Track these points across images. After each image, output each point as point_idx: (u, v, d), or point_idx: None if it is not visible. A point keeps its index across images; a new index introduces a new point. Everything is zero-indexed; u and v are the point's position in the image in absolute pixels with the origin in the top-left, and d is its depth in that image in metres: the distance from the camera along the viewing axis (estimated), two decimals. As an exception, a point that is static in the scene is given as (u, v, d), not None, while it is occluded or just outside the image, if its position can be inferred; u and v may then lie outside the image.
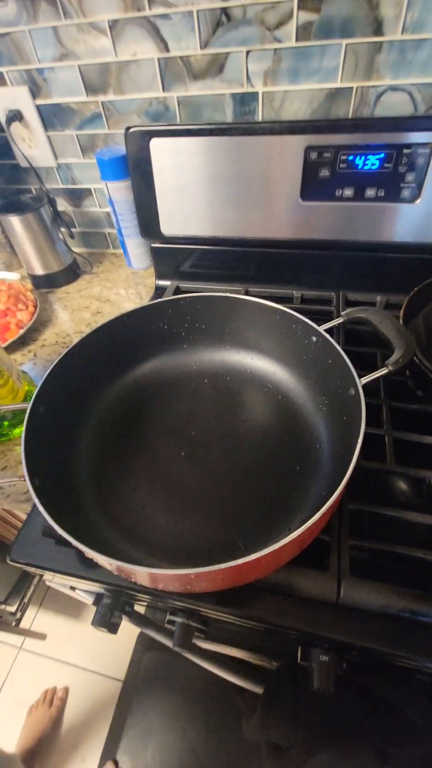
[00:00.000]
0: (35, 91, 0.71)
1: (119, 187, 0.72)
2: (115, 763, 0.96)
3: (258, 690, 0.44)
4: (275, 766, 0.54)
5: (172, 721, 1.01)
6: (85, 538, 0.29)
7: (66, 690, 1.11)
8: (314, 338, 0.45)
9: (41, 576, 1.15)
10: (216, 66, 0.60)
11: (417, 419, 0.49)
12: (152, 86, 0.65)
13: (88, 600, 0.55)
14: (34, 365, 0.68)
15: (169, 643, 0.49)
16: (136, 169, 0.63)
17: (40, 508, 0.31)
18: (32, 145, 0.78)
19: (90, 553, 0.28)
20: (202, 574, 0.28)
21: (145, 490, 0.43)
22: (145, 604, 0.49)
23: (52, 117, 0.74)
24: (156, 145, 0.59)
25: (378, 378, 0.51)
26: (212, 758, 0.95)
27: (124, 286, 0.83)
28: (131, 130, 0.59)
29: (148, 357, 0.54)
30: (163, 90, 0.65)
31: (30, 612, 1.22)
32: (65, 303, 0.81)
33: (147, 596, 0.40)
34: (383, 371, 0.39)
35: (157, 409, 0.51)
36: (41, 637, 1.09)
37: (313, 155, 0.55)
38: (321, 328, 0.44)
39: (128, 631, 1.15)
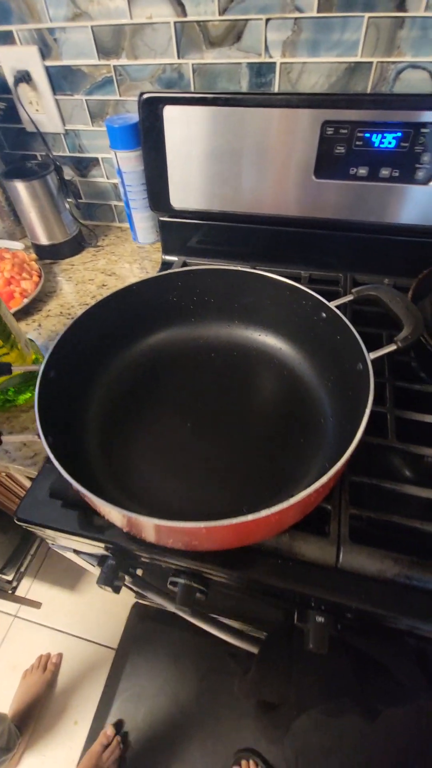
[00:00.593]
0: (45, 52, 0.69)
1: (129, 157, 0.71)
2: (117, 724, 1.00)
3: (253, 650, 0.46)
4: (266, 724, 0.57)
5: (164, 685, 1.05)
6: (97, 491, 0.30)
7: (60, 656, 1.14)
8: (324, 314, 0.45)
9: (39, 545, 1.17)
10: (234, 33, 0.59)
11: (419, 399, 0.50)
12: (167, 52, 0.63)
13: (92, 563, 0.56)
14: (39, 335, 0.68)
15: (170, 605, 0.51)
16: (147, 137, 0.62)
17: (55, 462, 0.31)
18: (39, 108, 0.76)
19: (103, 506, 0.29)
20: (211, 529, 0.29)
21: (152, 457, 0.44)
22: (147, 563, 0.51)
23: (61, 80, 0.72)
24: (169, 113, 0.58)
25: (383, 357, 0.52)
26: (203, 720, 0.99)
27: (129, 260, 0.82)
28: (145, 95, 0.57)
29: (156, 329, 0.54)
30: (178, 56, 0.63)
31: (26, 582, 1.25)
32: (70, 275, 0.80)
33: (151, 555, 0.42)
34: (392, 347, 0.40)
35: (164, 380, 0.52)
36: (36, 605, 1.12)
37: (330, 131, 0.55)
38: (331, 304, 0.44)
39: (122, 602, 1.19)
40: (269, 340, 0.54)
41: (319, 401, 0.48)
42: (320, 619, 0.40)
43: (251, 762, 0.90)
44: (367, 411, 0.34)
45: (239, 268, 0.50)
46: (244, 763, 0.90)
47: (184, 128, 0.59)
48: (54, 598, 1.22)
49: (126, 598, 1.19)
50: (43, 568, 1.29)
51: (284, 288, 0.48)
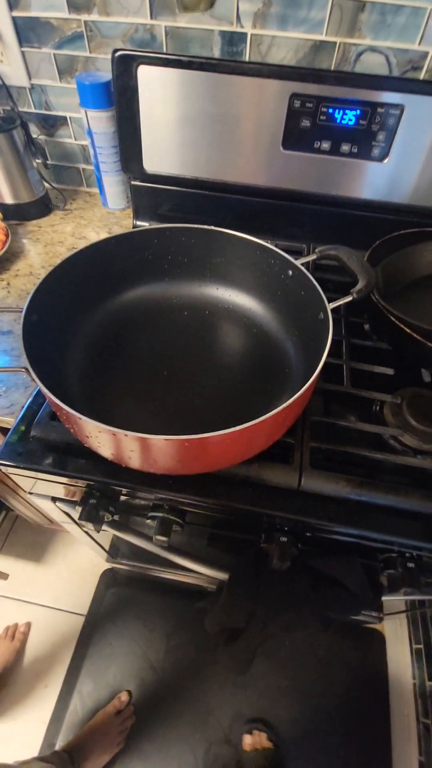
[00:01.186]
0: (12, 2, 0.66)
1: (100, 117, 0.70)
2: (129, 693, 1.02)
3: (223, 576, 0.51)
4: (231, 655, 0.63)
5: (133, 644, 1.09)
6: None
7: (28, 625, 1.15)
8: (290, 272, 0.50)
9: (4, 518, 1.16)
10: (207, 0, 0.60)
11: (370, 353, 0.56)
12: (140, 11, 0.64)
13: (68, 514, 0.58)
14: (8, 293, 0.67)
15: (146, 544, 0.54)
16: (121, 96, 0.62)
17: (45, 390, 0.34)
18: (4, 60, 0.73)
19: (90, 423, 0.32)
20: (191, 444, 0.32)
21: (131, 399, 0.47)
22: (125, 501, 0.53)
23: (28, 32, 0.69)
24: (144, 73, 0.59)
25: (341, 318, 0.58)
26: (170, 672, 1.05)
27: (99, 225, 0.82)
28: (119, 53, 0.58)
29: (132, 285, 0.56)
30: (151, 17, 0.64)
31: (-10, 555, 1.23)
32: (37, 237, 0.79)
33: (130, 486, 0.44)
34: (348, 298, 0.45)
35: (141, 334, 0.54)
36: (3, 576, 1.11)
37: (297, 103, 0.58)
38: (297, 262, 0.49)
39: (90, 571, 1.21)
40: (240, 299, 0.58)
41: (285, 353, 0.52)
42: (283, 538, 0.46)
43: (262, 734, 0.96)
44: (327, 346, 0.39)
45: (214, 228, 0.53)
46: (255, 733, 0.96)
47: (158, 90, 0.60)
48: (21, 571, 1.22)
49: (94, 567, 1.21)
50: (8, 542, 1.28)
51: (254, 248, 0.52)
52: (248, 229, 0.74)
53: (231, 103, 0.60)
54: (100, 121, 0.71)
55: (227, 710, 0.99)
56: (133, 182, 0.73)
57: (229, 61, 0.57)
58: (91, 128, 0.73)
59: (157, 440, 0.32)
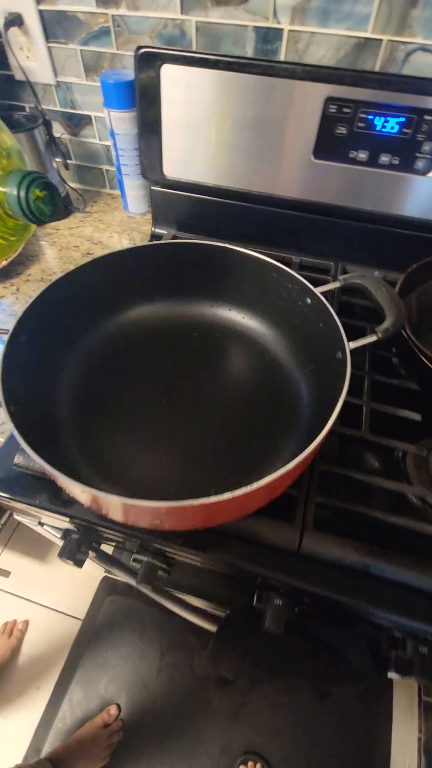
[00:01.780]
0: (39, -7, 0.63)
1: (123, 118, 0.67)
2: (119, 707, 1.01)
3: (212, 628, 0.47)
4: (221, 698, 0.58)
5: (127, 657, 1.07)
6: (59, 466, 0.29)
7: (26, 623, 1.15)
8: (309, 300, 0.44)
9: (10, 514, 1.16)
10: (242, -8, 0.55)
11: (396, 394, 0.50)
12: (169, 5, 0.59)
13: (56, 536, 0.55)
14: (17, 299, 0.65)
15: (132, 581, 0.51)
16: (143, 97, 0.58)
17: (15, 432, 0.30)
18: (30, 55, 0.71)
19: (64, 481, 0.28)
20: (173, 509, 0.28)
21: (125, 431, 0.43)
22: (112, 544, 0.50)
23: (55, 26, 0.67)
24: (168, 72, 0.55)
25: (365, 351, 0.52)
26: (162, 692, 1.02)
27: (118, 230, 0.79)
28: (142, 50, 0.54)
29: (138, 302, 0.53)
30: (181, 12, 0.59)
31: (-6, 549, 1.24)
32: (54, 239, 0.77)
33: (115, 533, 0.41)
34: (372, 338, 0.39)
35: (143, 355, 0.50)
36: (5, 574, 1.12)
37: (333, 108, 0.53)
38: (317, 290, 0.43)
39: (91, 576, 1.20)
40: (252, 323, 0.53)
41: (297, 388, 0.47)
42: (278, 601, 0.41)
43: (257, 765, 0.92)
44: (341, 400, 0.34)
45: (228, 246, 0.48)
46: (250, 764, 0.92)
47: (182, 90, 0.56)
48: (23, 568, 1.23)
49: (94, 572, 1.20)
50: (13, 538, 1.28)
51: (271, 270, 0.47)
52: (272, 243, 0.70)
53: (259, 106, 0.55)
54: (122, 122, 0.68)
55: (217, 742, 0.95)
56: (153, 188, 0.69)
57: (259, 61, 0.52)
58: (113, 129, 0.69)
59: (133, 504, 0.28)
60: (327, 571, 0.38)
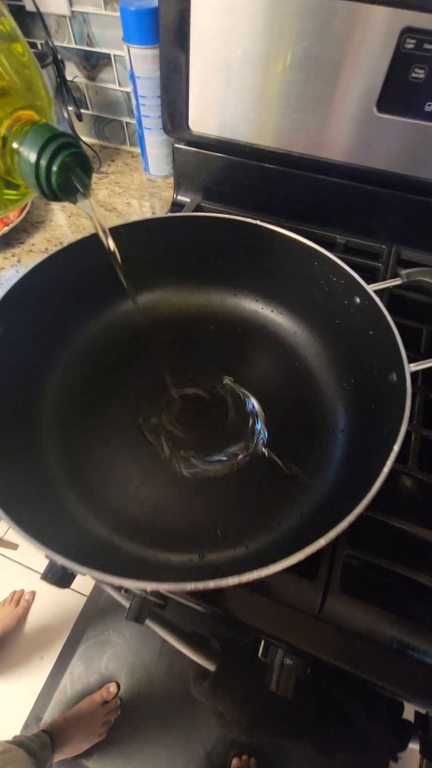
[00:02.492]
0: None
1: (145, 56, 0.56)
2: (118, 685, 1.02)
3: (210, 666, 0.41)
4: (220, 722, 0.54)
5: (129, 638, 1.07)
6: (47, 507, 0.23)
7: (33, 594, 1.16)
8: (358, 299, 0.35)
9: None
10: None
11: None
12: None
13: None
14: (17, 273, 0.58)
15: (124, 602, 0.46)
16: (167, 28, 0.47)
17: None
18: (41, -23, 0.59)
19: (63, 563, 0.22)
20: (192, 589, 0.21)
21: (123, 451, 0.37)
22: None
23: None
24: (200, -7, 0.43)
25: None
26: (161, 676, 1.02)
27: (136, 195, 0.70)
28: (169, -39, 0.42)
29: (145, 287, 0.44)
30: None
31: (3, 524, 1.25)
32: (63, 204, 0.68)
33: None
34: (443, 360, 0.30)
35: (146, 352, 0.43)
36: (13, 546, 1.12)
37: (410, 44, 0.40)
38: (370, 288, 0.33)
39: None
40: (282, 319, 0.44)
41: (332, 407, 0.39)
42: (288, 661, 0.35)
43: (252, 760, 0.91)
44: (397, 444, 0.26)
45: (260, 223, 0.39)
46: (244, 757, 0.92)
47: (217, 18, 0.45)
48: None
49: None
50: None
51: (313, 257, 0.37)
52: (315, 218, 0.59)
53: (312, 39, 0.43)
54: (145, 61, 0.57)
55: (212, 731, 0.95)
56: (176, 145, 0.59)
57: (319, -26, 0.39)
58: (134, 70, 0.58)
59: (166, 587, 0.21)
60: (353, 643, 0.31)
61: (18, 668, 1.06)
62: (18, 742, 0.81)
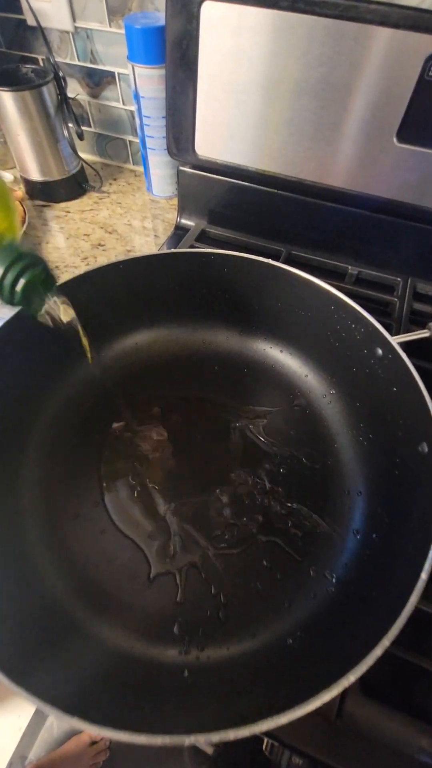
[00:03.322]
0: None
1: (150, 76, 0.53)
2: None
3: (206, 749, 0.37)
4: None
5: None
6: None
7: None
8: (380, 351, 0.32)
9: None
10: None
11: None
12: None
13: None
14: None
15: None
16: (175, 47, 0.44)
17: None
18: (44, -8, 0.57)
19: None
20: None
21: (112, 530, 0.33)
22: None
23: None
24: (210, 13, 0.41)
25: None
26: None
27: (138, 217, 0.67)
28: (178, -21, 0.40)
29: (144, 324, 0.41)
30: None
31: None
32: (62, 224, 0.65)
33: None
34: None
35: (147, 395, 0.39)
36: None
37: (436, 71, 0.37)
38: (395, 341, 0.30)
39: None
40: (293, 362, 0.40)
41: (346, 464, 0.35)
42: (298, 760, 0.30)
43: None
44: (428, 565, 0.22)
45: (273, 263, 0.36)
46: None
47: (227, 39, 0.42)
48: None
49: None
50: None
51: (329, 301, 0.34)
52: (326, 246, 0.55)
53: (329, 64, 0.40)
54: (150, 81, 0.54)
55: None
56: (181, 168, 0.56)
57: (339, 0, 0.37)
58: (138, 90, 0.56)
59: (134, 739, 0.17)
60: (376, 753, 0.27)
61: (2, 703, 1.01)
62: None
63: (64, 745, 0.93)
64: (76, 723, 0.18)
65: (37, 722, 0.98)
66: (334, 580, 0.30)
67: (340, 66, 0.40)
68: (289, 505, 0.33)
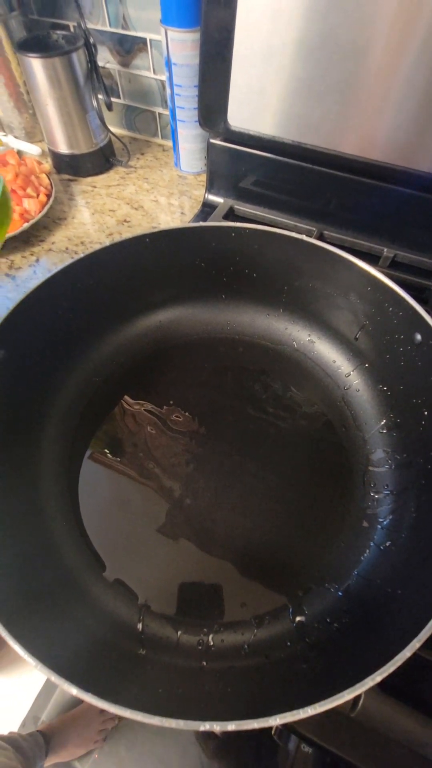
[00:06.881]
0: None
1: (183, 40, 0.51)
2: None
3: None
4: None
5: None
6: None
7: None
8: (419, 336, 0.29)
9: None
10: None
11: None
12: None
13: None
14: (35, 273, 0.54)
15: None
16: (212, 7, 0.42)
17: None
18: None
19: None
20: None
21: (135, 507, 0.32)
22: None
23: None
24: (251, -34, 0.38)
25: None
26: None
27: (165, 193, 0.65)
28: None
29: (167, 303, 0.40)
30: None
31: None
32: (88, 199, 0.64)
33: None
34: None
35: (168, 376, 0.38)
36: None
37: None
38: (437, 325, 0.28)
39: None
40: (324, 348, 0.39)
41: (373, 460, 0.33)
42: (307, 749, 0.30)
43: None
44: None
45: (308, 239, 0.33)
46: None
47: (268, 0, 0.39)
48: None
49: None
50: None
51: (366, 281, 0.32)
52: (360, 226, 0.52)
53: (381, 22, 0.37)
54: (183, 47, 0.52)
55: (210, 753, 0.92)
56: (211, 141, 0.53)
57: None
58: (170, 56, 0.53)
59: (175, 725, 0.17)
60: (389, 749, 0.26)
61: (19, 665, 1.06)
62: (10, 739, 0.80)
63: (74, 709, 0.97)
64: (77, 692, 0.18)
65: (51, 686, 1.02)
66: (361, 579, 0.28)
67: (396, 25, 0.37)
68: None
